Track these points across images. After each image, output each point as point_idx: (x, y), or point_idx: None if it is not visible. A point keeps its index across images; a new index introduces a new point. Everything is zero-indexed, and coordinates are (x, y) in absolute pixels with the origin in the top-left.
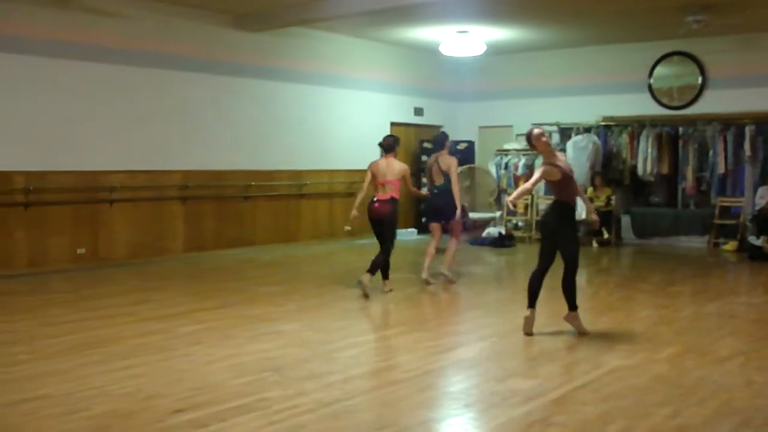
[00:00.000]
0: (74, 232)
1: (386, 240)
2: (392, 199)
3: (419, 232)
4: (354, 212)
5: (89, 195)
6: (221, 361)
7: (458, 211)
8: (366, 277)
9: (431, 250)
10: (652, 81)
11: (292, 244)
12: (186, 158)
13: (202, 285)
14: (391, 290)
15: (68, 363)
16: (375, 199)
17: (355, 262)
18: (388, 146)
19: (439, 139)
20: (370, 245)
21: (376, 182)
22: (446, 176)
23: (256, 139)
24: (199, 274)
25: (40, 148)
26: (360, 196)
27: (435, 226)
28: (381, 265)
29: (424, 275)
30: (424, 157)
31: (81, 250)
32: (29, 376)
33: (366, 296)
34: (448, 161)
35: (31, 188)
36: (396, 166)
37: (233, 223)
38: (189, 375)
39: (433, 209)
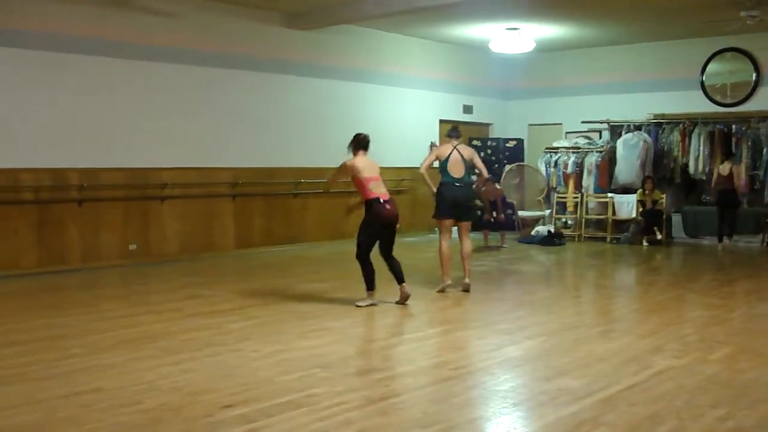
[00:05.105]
0: (126, 228)
1: (389, 243)
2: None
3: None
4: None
5: (141, 192)
6: (270, 357)
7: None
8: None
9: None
10: (704, 78)
11: (340, 241)
12: (236, 155)
13: (252, 281)
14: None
15: (120, 357)
16: (382, 200)
17: (404, 258)
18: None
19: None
20: (420, 242)
21: (375, 179)
22: (468, 167)
23: (306, 137)
24: (249, 271)
25: (94, 145)
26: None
27: (448, 224)
28: (370, 276)
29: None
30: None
31: (132, 246)
32: (82, 369)
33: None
34: (469, 150)
35: (85, 185)
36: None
37: (282, 220)
38: (238, 371)
39: (453, 204)
